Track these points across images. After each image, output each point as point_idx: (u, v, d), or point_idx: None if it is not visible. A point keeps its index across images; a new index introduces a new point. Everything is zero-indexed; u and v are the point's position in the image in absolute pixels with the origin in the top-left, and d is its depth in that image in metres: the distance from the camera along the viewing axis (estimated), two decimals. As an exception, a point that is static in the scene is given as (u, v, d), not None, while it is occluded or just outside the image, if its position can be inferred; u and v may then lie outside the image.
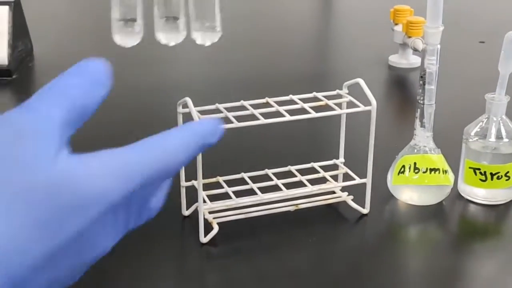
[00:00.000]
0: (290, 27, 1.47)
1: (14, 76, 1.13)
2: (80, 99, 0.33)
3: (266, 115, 0.67)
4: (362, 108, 0.69)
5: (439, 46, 0.70)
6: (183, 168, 0.70)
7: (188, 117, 0.65)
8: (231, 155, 0.82)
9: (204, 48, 1.15)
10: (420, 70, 0.72)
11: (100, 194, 0.31)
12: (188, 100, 0.65)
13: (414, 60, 1.19)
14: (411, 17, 1.15)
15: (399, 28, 1.17)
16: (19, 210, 0.29)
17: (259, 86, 1.09)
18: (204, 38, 0.37)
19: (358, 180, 0.72)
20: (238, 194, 0.70)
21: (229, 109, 0.68)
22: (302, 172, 0.74)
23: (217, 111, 0.68)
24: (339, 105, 0.70)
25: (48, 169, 0.30)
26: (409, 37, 1.14)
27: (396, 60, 1.20)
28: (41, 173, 0.30)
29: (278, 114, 0.68)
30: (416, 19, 1.14)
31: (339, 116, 0.73)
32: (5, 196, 0.29)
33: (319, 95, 0.71)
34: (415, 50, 1.14)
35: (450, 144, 0.78)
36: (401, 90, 1.17)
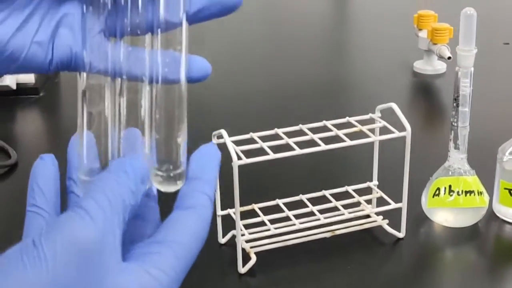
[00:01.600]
0: (311, 34, 1.46)
1: (41, 94, 1.13)
2: (134, 206, 0.34)
3: (301, 144, 0.67)
4: (396, 134, 0.68)
5: (472, 69, 0.70)
6: (219, 197, 0.71)
7: (223, 147, 0.65)
8: (265, 182, 0.82)
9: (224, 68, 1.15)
10: (453, 91, 0.72)
11: None
12: (224, 132, 0.66)
13: (439, 66, 1.18)
14: (436, 24, 1.14)
15: (423, 34, 1.16)
16: None
17: (287, 100, 1.09)
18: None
19: (393, 205, 0.72)
20: (274, 221, 0.71)
21: (263, 138, 0.69)
22: (337, 196, 0.74)
23: (252, 141, 0.68)
24: (372, 131, 0.70)
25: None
26: (434, 44, 1.13)
27: (421, 66, 1.19)
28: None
29: (313, 142, 0.68)
30: (441, 26, 1.13)
31: (372, 140, 0.73)
32: None
33: (352, 120, 0.71)
34: (441, 57, 1.13)
35: (484, 163, 0.77)
36: (428, 99, 1.16)
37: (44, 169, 0.37)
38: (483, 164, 0.77)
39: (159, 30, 0.37)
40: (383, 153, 0.76)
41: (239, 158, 0.64)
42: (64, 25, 0.37)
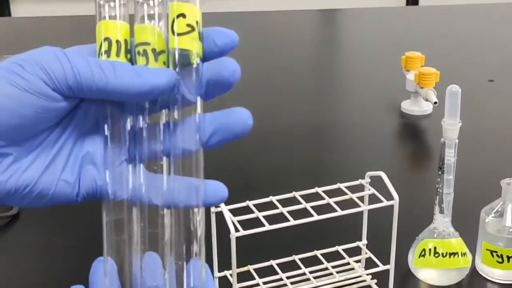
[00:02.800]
0: (299, 69, 1.50)
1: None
2: None
3: (294, 213, 0.71)
4: (385, 203, 0.72)
5: (457, 141, 0.74)
6: (216, 258, 0.75)
7: (220, 216, 0.69)
8: (260, 243, 0.85)
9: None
10: (439, 160, 0.76)
11: None
12: (222, 205, 0.69)
13: (426, 107, 1.22)
14: (423, 68, 1.18)
15: (411, 76, 1.20)
16: None
17: (276, 145, 1.13)
18: None
19: (381, 267, 0.76)
20: (268, 282, 0.74)
21: (258, 206, 0.73)
22: (328, 256, 0.78)
23: (248, 209, 0.72)
24: (361, 199, 0.74)
25: None
26: (421, 87, 1.18)
27: (408, 107, 1.23)
28: None
29: (305, 211, 0.72)
30: (428, 71, 1.17)
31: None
32: None
33: (343, 187, 0.75)
34: (427, 100, 1.17)
35: (468, 224, 0.81)
36: (414, 141, 1.20)
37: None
38: (467, 225, 0.81)
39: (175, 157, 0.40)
40: (373, 212, 0.80)
41: (236, 230, 0.68)
42: (88, 160, 0.41)
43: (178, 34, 0.40)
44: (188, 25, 0.40)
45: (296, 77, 1.45)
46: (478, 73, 1.40)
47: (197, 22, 0.41)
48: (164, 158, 0.41)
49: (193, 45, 0.41)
